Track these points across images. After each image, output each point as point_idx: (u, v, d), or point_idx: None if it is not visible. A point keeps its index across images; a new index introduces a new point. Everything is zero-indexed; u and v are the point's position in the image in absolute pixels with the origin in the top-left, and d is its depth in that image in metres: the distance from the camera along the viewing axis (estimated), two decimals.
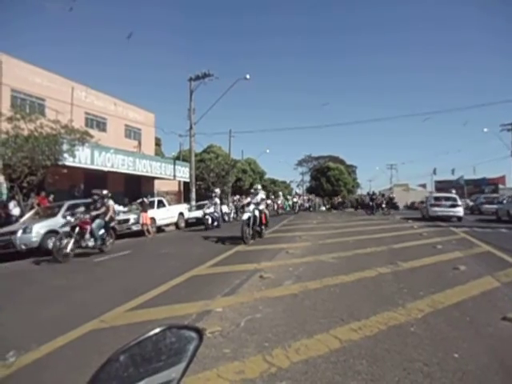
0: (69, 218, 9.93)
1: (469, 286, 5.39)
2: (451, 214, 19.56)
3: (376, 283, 5.74)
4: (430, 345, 3.31)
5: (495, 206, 23.05)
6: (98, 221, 10.14)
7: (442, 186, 58.19)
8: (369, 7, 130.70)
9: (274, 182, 58.19)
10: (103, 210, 10.39)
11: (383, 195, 30.15)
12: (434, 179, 63.07)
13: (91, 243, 9.92)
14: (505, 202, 21.55)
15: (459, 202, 20.37)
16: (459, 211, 19.63)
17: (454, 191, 26.27)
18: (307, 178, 57.46)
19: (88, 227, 9.84)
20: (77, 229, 9.56)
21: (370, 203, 27.25)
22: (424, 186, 68.10)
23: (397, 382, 2.67)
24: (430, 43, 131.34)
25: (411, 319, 3.98)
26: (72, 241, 9.36)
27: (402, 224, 16.98)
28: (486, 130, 38.76)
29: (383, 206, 27.13)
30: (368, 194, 30.47)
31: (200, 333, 0.88)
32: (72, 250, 9.34)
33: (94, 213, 10.16)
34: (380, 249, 9.08)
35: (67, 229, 9.67)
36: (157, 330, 0.80)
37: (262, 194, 12.30)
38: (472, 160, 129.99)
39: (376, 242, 10.37)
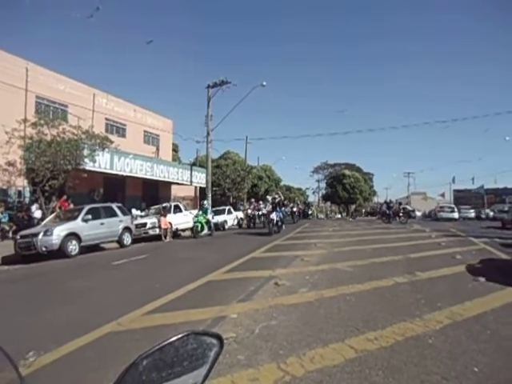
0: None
1: (489, 298, 5.25)
2: (450, 216, 32.26)
3: (392, 293, 5.65)
4: (449, 358, 3.23)
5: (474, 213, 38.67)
6: None
7: (461, 195, 56.60)
8: (390, 15, 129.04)
9: (289, 188, 57.89)
10: None
11: (400, 203, 29.63)
12: (454, 188, 61.58)
13: None
14: (481, 211, 37.87)
15: (455, 210, 33.61)
16: (455, 215, 32.79)
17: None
18: (323, 185, 57.17)
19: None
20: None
21: (387, 211, 26.76)
22: (443, 194, 66.53)
23: None
24: (449, 54, 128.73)
25: (429, 331, 3.90)
26: None
27: (420, 233, 16.65)
28: (507, 138, 38.02)
29: (400, 214, 26.61)
30: (385, 202, 29.89)
31: (221, 339, 0.89)
32: None
33: None
34: (397, 258, 8.93)
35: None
36: (178, 336, 0.82)
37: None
38: (493, 169, 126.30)
39: (393, 250, 10.20)
